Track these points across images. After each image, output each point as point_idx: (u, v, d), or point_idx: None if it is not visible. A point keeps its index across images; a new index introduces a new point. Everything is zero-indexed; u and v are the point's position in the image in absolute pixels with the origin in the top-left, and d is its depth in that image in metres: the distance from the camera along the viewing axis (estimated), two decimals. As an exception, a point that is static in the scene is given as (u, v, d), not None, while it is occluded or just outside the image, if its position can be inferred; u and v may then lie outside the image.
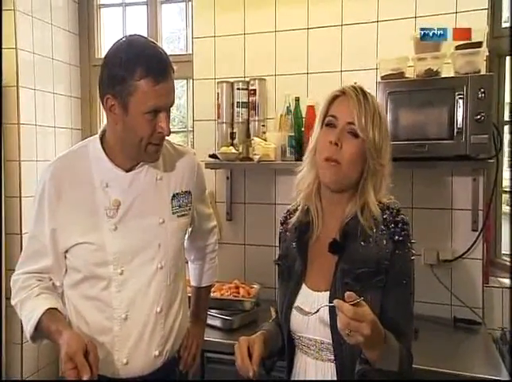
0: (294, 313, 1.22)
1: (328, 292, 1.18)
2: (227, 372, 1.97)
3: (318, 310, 1.13)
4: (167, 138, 1.37)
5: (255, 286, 2.35)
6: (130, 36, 1.33)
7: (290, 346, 1.28)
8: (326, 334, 1.17)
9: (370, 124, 1.17)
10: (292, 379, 1.27)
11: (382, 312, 1.15)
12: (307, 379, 1.22)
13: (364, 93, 1.21)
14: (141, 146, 1.29)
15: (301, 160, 2.57)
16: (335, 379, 1.17)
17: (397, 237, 1.18)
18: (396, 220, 1.20)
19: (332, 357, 1.17)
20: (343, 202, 1.24)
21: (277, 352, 1.31)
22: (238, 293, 2.27)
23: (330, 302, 1.13)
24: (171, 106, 1.31)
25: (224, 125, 2.51)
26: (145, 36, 1.38)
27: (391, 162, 1.24)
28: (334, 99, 1.23)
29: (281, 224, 1.40)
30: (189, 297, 1.65)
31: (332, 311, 1.12)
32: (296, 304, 1.22)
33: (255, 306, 2.24)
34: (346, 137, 1.18)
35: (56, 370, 2.80)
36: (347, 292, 1.01)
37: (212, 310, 2.08)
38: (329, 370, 1.19)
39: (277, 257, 1.37)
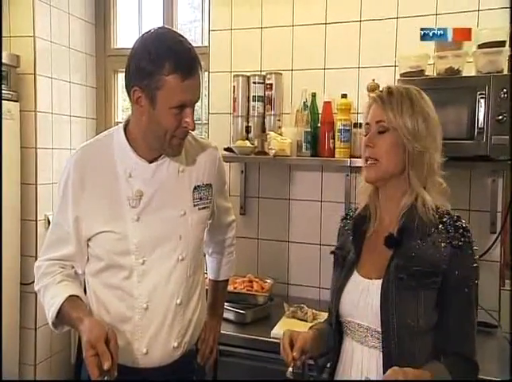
0: (344, 297, 1.27)
1: (380, 280, 1.20)
2: (240, 365, 1.97)
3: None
4: (190, 131, 1.37)
5: (268, 280, 2.35)
6: (159, 28, 1.32)
7: (338, 331, 1.31)
8: (374, 321, 1.19)
9: (398, 113, 1.21)
10: (340, 364, 1.29)
11: (443, 318, 1.18)
12: (353, 362, 1.24)
13: (389, 90, 1.27)
14: (165, 138, 1.30)
15: (317, 156, 2.52)
16: (379, 366, 1.19)
17: (456, 242, 1.18)
18: (456, 224, 1.21)
19: (378, 344, 1.19)
20: (397, 197, 1.26)
21: (329, 350, 1.34)
22: (252, 287, 2.28)
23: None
24: (197, 101, 1.32)
25: (240, 119, 2.51)
26: (174, 29, 1.37)
27: (438, 152, 1.25)
28: (368, 109, 1.30)
29: (342, 219, 1.46)
30: (206, 290, 1.65)
31: (383, 301, 1.17)
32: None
33: (268, 301, 2.24)
34: (377, 136, 1.25)
35: (68, 356, 2.81)
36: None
37: (225, 303, 2.08)
38: (374, 356, 1.21)
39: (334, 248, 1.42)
